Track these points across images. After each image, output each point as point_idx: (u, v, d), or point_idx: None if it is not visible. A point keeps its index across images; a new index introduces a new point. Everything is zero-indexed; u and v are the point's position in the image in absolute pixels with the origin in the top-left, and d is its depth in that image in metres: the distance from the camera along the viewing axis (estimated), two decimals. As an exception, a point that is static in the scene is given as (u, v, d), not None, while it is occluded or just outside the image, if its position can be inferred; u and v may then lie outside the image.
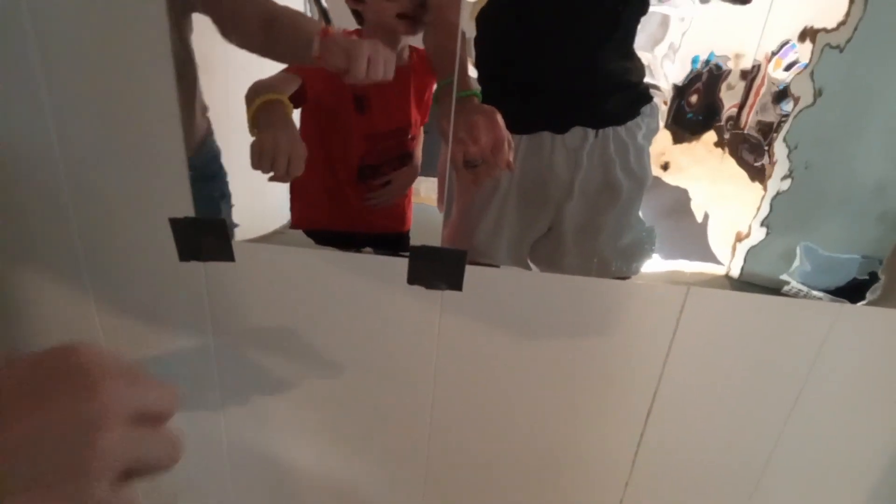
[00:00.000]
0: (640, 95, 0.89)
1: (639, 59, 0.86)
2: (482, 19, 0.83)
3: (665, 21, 0.85)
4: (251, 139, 0.82)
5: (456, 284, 0.93)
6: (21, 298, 0.98)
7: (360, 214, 1.00)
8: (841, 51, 0.84)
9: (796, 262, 0.96)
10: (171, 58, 0.79)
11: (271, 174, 0.82)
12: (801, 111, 0.88)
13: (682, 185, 0.93)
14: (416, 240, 0.96)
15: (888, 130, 0.88)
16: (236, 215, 0.93)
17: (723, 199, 0.94)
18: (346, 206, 1.00)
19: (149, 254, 0.93)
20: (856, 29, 0.84)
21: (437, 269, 0.92)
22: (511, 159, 0.87)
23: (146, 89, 0.82)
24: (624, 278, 0.97)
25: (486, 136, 0.84)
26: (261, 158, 0.81)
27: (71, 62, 0.81)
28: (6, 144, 0.86)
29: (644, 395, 1.05)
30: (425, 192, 1.02)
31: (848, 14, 0.82)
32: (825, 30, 0.83)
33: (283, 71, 0.87)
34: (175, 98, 0.81)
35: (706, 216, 0.95)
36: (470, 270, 0.93)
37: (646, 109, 0.90)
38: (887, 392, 1.05)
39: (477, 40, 0.85)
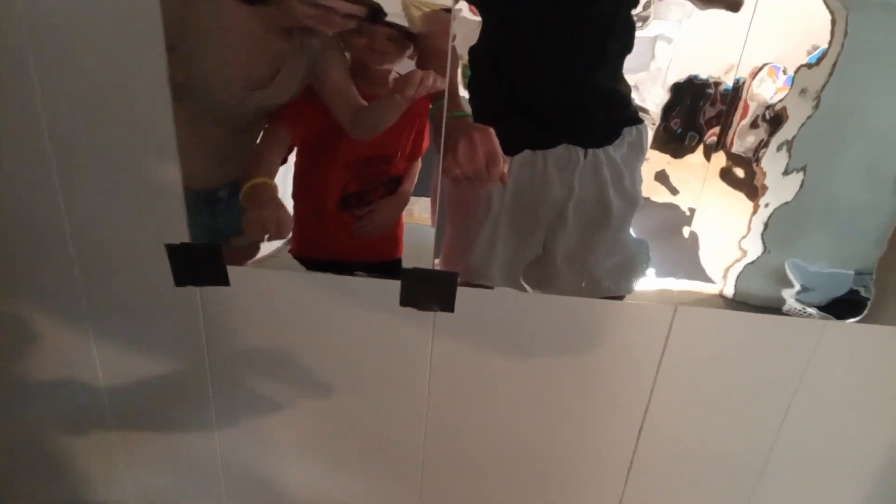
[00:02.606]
0: (629, 117, 0.91)
1: (626, 82, 0.88)
2: (474, 54, 0.86)
3: (651, 44, 0.87)
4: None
5: (448, 306, 0.95)
6: (19, 323, 0.99)
7: (349, 244, 1.00)
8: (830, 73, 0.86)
9: (789, 279, 0.98)
10: (168, 87, 0.81)
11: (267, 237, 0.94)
12: (791, 129, 0.90)
13: (674, 204, 0.95)
14: (409, 259, 0.97)
15: (873, 148, 0.91)
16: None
17: (715, 217, 0.95)
18: (334, 235, 1.00)
19: (146, 279, 0.94)
20: (841, 48, 0.86)
21: (429, 291, 0.93)
22: (505, 171, 0.89)
23: (145, 123, 0.84)
24: (617, 297, 0.99)
25: (481, 152, 0.87)
26: (253, 230, 0.92)
27: (70, 94, 0.82)
28: (4, 173, 0.87)
29: (635, 411, 1.06)
30: (419, 212, 1.03)
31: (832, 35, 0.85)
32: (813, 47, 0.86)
33: (270, 127, 0.92)
34: (173, 132, 0.83)
35: (698, 235, 0.96)
36: (461, 291, 0.94)
37: (633, 130, 0.92)
38: (873, 406, 1.06)
39: (470, 67, 0.87)
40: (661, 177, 0.94)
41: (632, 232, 0.97)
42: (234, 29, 0.84)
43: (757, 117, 0.91)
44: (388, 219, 1.00)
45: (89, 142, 0.85)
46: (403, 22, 0.85)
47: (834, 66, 0.87)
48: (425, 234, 0.97)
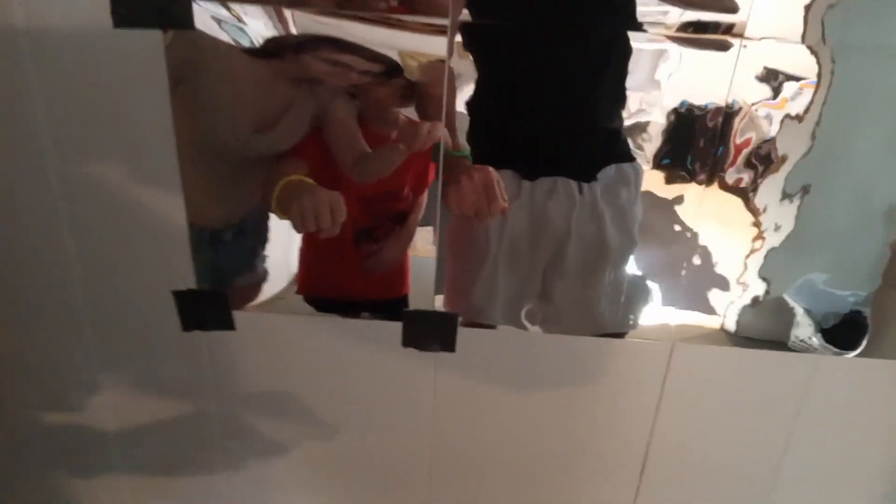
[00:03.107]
0: (624, 153, 0.93)
1: (621, 118, 0.90)
2: (472, 107, 0.89)
3: (652, 75, 0.89)
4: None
5: (449, 346, 0.96)
6: (27, 367, 1.01)
7: (359, 281, 1.02)
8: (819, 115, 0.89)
9: (790, 308, 0.99)
10: (173, 135, 0.84)
11: (321, 230, 0.87)
12: (784, 167, 0.92)
13: (673, 237, 0.96)
14: (412, 292, 0.99)
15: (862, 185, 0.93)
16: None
17: (712, 251, 0.97)
18: (345, 272, 1.02)
19: (153, 323, 0.96)
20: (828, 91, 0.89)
21: (430, 332, 0.95)
22: (507, 205, 0.90)
23: (150, 166, 0.87)
24: (620, 333, 1.00)
25: (481, 188, 0.89)
26: (304, 219, 0.86)
27: (79, 136, 0.85)
28: (13, 214, 0.90)
29: (637, 448, 1.06)
30: (422, 243, 1.04)
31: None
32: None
33: (287, 157, 0.92)
34: (178, 174, 0.86)
35: (702, 266, 0.98)
36: (463, 331, 0.96)
37: (628, 167, 0.94)
38: (871, 441, 1.07)
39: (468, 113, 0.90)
40: (659, 211, 0.96)
41: (631, 268, 0.98)
42: (242, 77, 0.87)
43: (749, 155, 0.93)
44: (398, 255, 1.01)
45: (96, 187, 0.88)
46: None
47: (822, 105, 0.89)
48: (428, 267, 0.99)
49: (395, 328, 0.96)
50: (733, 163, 0.92)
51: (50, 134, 0.85)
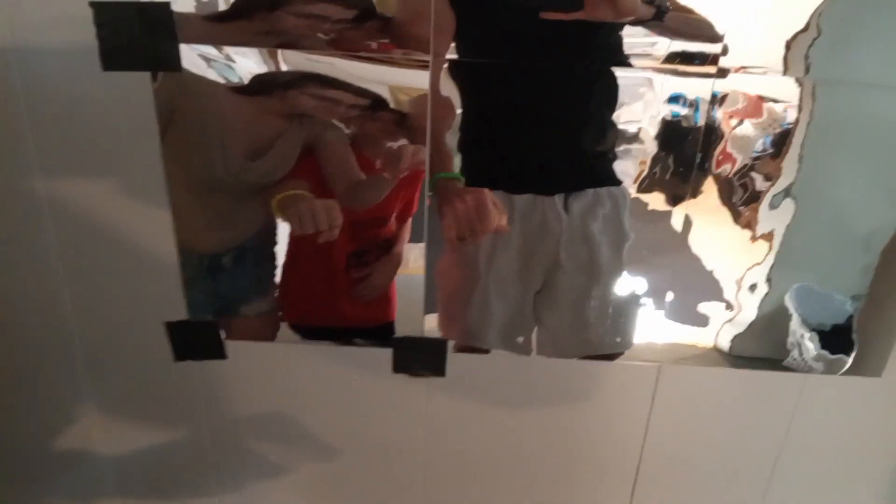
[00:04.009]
0: (611, 176, 0.94)
1: (611, 144, 0.92)
2: (463, 136, 0.91)
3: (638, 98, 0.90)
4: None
5: (439, 371, 0.97)
6: (22, 396, 1.02)
7: (347, 307, 1.03)
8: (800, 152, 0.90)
9: (788, 317, 1.00)
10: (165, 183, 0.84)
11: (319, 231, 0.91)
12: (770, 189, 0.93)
13: (665, 252, 0.97)
14: (402, 313, 1.00)
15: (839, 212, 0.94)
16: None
17: (710, 262, 0.98)
18: (334, 299, 1.03)
19: (146, 352, 0.97)
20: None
21: (421, 358, 0.96)
22: (504, 222, 0.92)
23: (143, 201, 0.88)
24: (615, 354, 1.01)
25: (473, 209, 0.91)
26: (302, 221, 0.90)
27: (69, 170, 0.86)
28: (6, 250, 0.91)
29: (627, 469, 1.08)
30: (413, 260, 1.04)
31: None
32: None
33: (286, 180, 0.93)
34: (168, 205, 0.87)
35: (693, 283, 0.99)
36: (452, 356, 0.97)
37: (617, 190, 0.95)
38: (858, 459, 1.09)
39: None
40: (649, 229, 0.97)
41: (621, 288, 0.99)
42: (231, 114, 0.88)
43: (735, 174, 0.94)
44: (385, 281, 1.03)
45: (87, 218, 0.89)
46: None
47: (807, 126, 0.90)
48: (417, 286, 0.99)
49: (386, 353, 0.97)
50: (721, 180, 0.94)
51: (40, 167, 0.85)
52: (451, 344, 1.00)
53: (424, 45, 0.83)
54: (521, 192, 0.94)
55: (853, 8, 0.83)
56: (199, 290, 0.96)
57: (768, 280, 0.98)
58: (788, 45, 0.86)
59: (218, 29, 0.80)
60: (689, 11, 0.82)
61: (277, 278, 1.00)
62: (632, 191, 0.94)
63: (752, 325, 1.00)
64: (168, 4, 0.73)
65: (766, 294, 0.99)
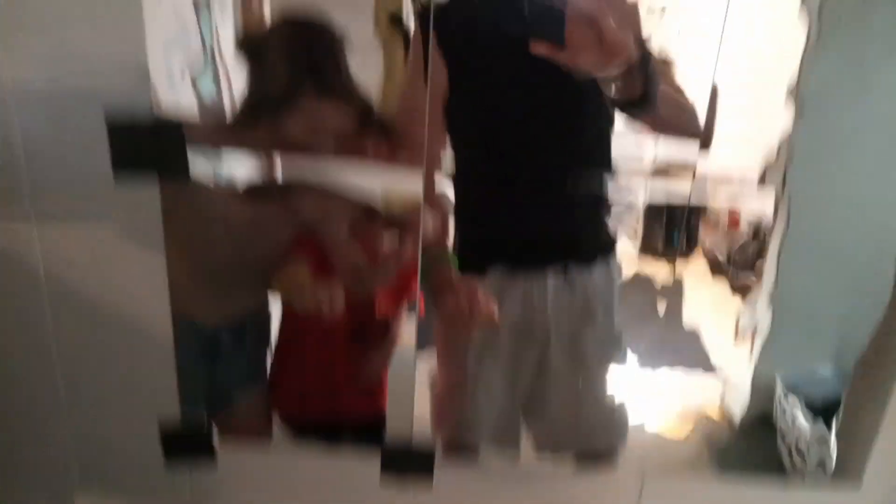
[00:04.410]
0: (605, 245, 0.97)
1: (605, 213, 0.95)
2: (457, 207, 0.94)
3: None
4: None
5: (426, 482, 0.96)
6: (11, 497, 1.00)
7: (344, 394, 1.05)
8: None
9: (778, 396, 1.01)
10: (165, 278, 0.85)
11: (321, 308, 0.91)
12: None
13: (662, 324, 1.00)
14: (393, 404, 1.01)
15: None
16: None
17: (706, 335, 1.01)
18: (332, 385, 1.04)
19: (136, 458, 0.96)
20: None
21: (408, 468, 0.95)
22: (495, 313, 0.94)
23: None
24: (611, 452, 1.02)
25: (465, 300, 0.94)
26: (303, 299, 0.91)
27: (69, 265, 0.86)
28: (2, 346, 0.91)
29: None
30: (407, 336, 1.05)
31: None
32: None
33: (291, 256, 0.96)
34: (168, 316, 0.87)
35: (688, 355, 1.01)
36: (440, 466, 0.96)
37: (613, 260, 0.98)
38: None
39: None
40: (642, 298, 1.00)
41: (612, 383, 1.01)
42: (232, 216, 0.93)
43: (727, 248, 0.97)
44: (383, 364, 1.05)
45: (86, 310, 0.89)
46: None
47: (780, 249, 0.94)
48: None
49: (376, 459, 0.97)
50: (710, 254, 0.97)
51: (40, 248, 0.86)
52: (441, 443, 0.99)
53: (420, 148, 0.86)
54: (515, 268, 0.96)
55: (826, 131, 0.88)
56: (194, 376, 0.95)
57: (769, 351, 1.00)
58: (765, 159, 0.91)
59: (220, 135, 0.86)
60: (670, 64, 0.84)
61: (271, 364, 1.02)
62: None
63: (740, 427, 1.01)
64: (180, 125, 0.76)
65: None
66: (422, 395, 1.03)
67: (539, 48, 0.69)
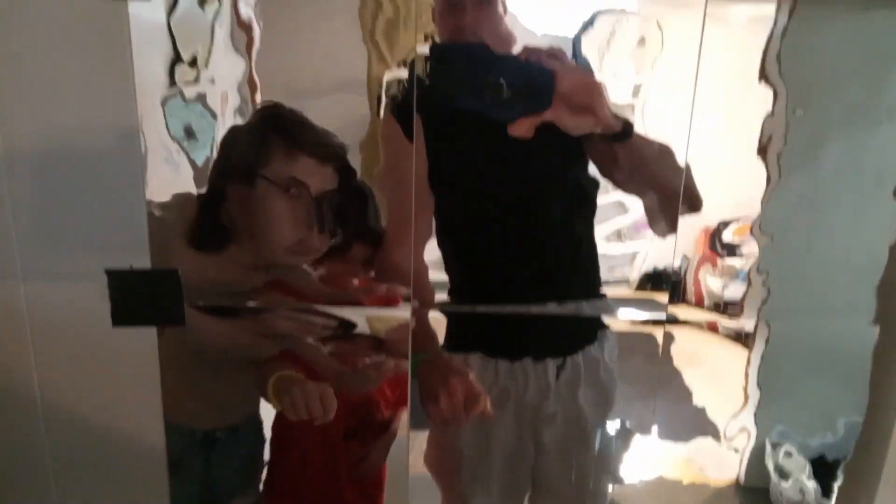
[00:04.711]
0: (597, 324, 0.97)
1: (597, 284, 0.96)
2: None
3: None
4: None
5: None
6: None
7: (340, 498, 1.05)
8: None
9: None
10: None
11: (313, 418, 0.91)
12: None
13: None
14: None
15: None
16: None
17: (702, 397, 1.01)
18: (327, 488, 1.05)
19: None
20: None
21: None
22: (488, 407, 0.94)
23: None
24: None
25: (460, 396, 0.92)
26: (296, 409, 0.90)
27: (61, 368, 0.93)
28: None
29: None
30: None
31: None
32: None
33: (274, 361, 0.97)
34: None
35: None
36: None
37: (605, 335, 0.98)
38: None
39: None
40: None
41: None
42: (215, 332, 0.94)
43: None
44: (380, 460, 1.06)
45: (78, 411, 0.95)
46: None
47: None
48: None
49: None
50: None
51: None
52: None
53: (405, 280, 0.89)
54: (513, 355, 0.97)
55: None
56: (187, 483, 0.98)
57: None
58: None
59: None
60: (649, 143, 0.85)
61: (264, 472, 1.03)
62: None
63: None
64: (175, 271, 0.82)
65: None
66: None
67: (516, 129, 0.73)
